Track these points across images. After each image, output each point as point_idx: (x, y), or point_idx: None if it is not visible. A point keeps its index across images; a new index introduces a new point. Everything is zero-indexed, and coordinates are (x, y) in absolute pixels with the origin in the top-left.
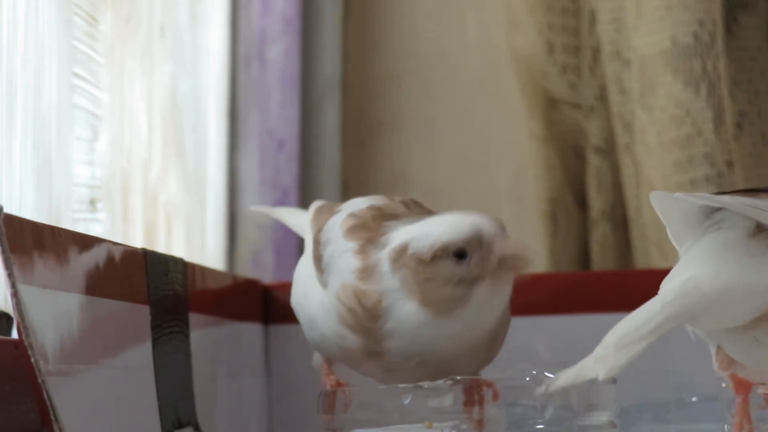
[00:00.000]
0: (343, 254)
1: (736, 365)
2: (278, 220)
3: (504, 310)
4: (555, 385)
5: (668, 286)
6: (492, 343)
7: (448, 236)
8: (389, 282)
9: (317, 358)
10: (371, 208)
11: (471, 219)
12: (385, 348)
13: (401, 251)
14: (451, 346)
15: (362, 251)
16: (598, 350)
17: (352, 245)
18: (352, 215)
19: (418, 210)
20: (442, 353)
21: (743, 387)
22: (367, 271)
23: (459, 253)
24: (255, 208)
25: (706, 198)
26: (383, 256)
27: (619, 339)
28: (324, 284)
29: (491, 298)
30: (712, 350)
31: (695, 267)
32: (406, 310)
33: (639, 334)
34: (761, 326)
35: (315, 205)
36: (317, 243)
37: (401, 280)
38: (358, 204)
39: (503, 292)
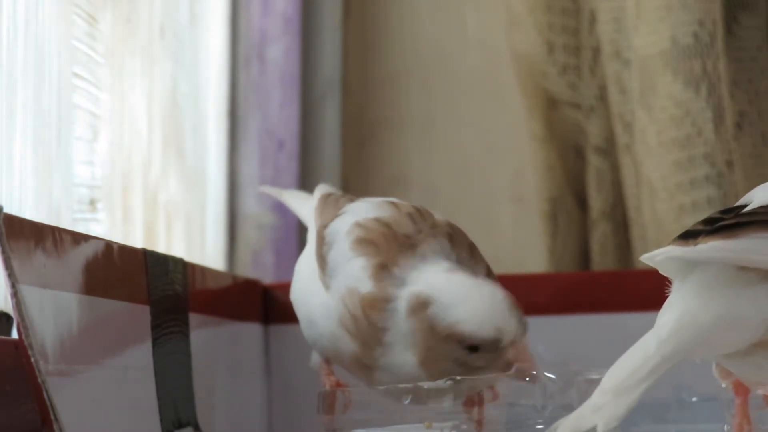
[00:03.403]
0: (351, 262)
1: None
2: (285, 203)
3: None
4: None
5: (662, 320)
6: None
7: (469, 328)
8: (400, 324)
9: (315, 359)
10: (379, 221)
11: (499, 318)
12: (375, 374)
13: (421, 306)
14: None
15: (376, 275)
16: (596, 397)
17: (361, 261)
18: (358, 225)
19: (427, 227)
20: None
21: (743, 388)
22: (378, 300)
23: (472, 347)
24: (264, 188)
25: (685, 252)
26: (401, 296)
27: (617, 385)
28: (326, 286)
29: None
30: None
31: (688, 301)
32: (403, 358)
33: (636, 378)
34: (759, 352)
35: (320, 190)
36: (321, 240)
37: (411, 331)
38: (363, 211)
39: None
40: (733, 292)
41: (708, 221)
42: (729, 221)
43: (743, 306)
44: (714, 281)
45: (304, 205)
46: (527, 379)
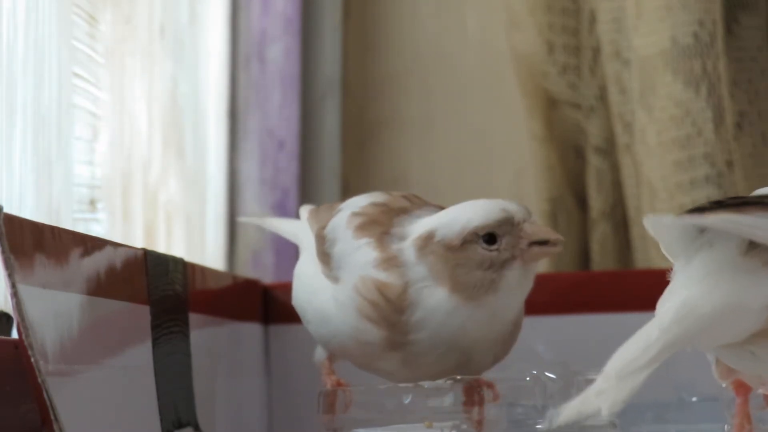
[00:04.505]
0: (357, 250)
1: (736, 372)
2: (269, 229)
3: (522, 306)
4: (558, 420)
5: (663, 309)
6: (510, 337)
7: (479, 220)
8: (415, 271)
9: (319, 354)
10: (374, 204)
11: (500, 203)
12: (411, 339)
13: (427, 239)
14: (477, 334)
15: (379, 243)
16: (600, 382)
17: (365, 241)
18: (356, 214)
19: (421, 203)
20: (468, 342)
21: (743, 388)
22: (387, 262)
23: (489, 237)
24: (243, 219)
25: (694, 218)
26: (406, 246)
27: (620, 370)
28: (334, 279)
29: (521, 282)
30: (711, 359)
31: (690, 288)
32: (435, 299)
33: (639, 363)
34: (758, 342)
35: (306, 208)
36: (321, 239)
37: (428, 268)
38: (359, 202)
39: (531, 276)
40: (736, 279)
41: (715, 201)
42: (737, 201)
43: (745, 293)
44: (717, 267)
45: (292, 225)
46: (554, 247)
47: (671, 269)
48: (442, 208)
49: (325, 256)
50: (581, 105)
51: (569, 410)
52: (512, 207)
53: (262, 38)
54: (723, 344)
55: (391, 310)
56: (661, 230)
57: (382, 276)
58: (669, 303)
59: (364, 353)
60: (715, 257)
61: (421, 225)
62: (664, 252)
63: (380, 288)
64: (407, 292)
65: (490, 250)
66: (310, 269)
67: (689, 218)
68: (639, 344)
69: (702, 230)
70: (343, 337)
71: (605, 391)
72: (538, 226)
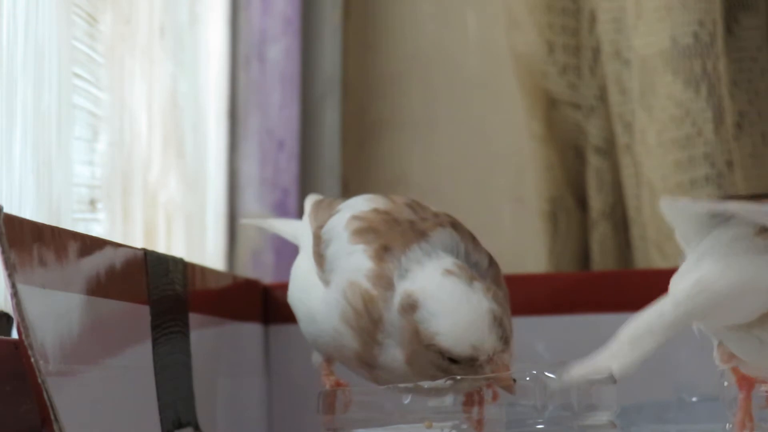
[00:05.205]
0: (351, 255)
1: (737, 359)
2: (271, 230)
3: None
4: (569, 377)
5: (679, 286)
6: None
7: (447, 343)
8: (393, 318)
9: (317, 357)
10: (377, 211)
11: (475, 337)
12: (380, 364)
13: (410, 307)
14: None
15: (377, 256)
16: (612, 346)
17: (361, 247)
18: (356, 218)
19: (425, 214)
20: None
21: (746, 383)
22: (379, 279)
23: (451, 359)
24: (244, 221)
25: (711, 205)
26: (398, 290)
27: (632, 335)
28: (326, 282)
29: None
30: (714, 343)
31: (704, 265)
32: (394, 354)
33: (650, 331)
34: (766, 325)
35: (312, 198)
36: (318, 239)
37: (400, 329)
38: (360, 205)
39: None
40: (750, 259)
41: (729, 196)
42: (749, 195)
43: (759, 272)
44: (731, 246)
45: (292, 225)
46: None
47: (672, 269)
48: (452, 220)
49: (319, 257)
50: (581, 105)
51: (579, 368)
52: (485, 344)
53: (262, 38)
54: (732, 326)
55: (368, 326)
56: (676, 215)
57: (371, 289)
58: (683, 279)
59: (342, 357)
60: (730, 235)
61: (418, 279)
62: (677, 237)
63: (366, 300)
64: (382, 326)
65: (448, 365)
66: (304, 267)
67: (707, 203)
68: (653, 314)
69: (716, 215)
70: (326, 338)
71: (617, 354)
72: (499, 367)
